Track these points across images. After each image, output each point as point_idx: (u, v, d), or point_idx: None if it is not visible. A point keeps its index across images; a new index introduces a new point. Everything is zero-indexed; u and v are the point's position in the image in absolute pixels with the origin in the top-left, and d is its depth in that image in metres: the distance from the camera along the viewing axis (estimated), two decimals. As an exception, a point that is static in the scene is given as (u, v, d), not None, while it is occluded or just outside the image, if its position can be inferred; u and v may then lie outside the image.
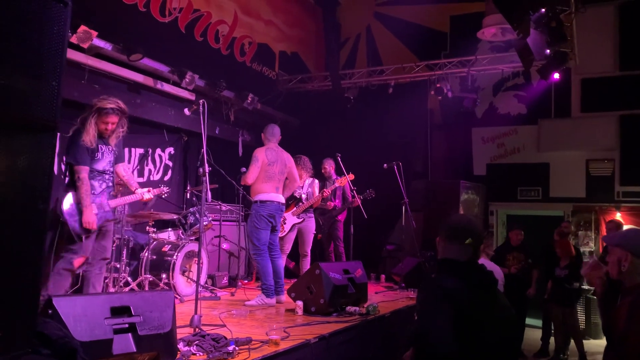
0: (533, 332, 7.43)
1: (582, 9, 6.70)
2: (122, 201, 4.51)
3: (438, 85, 8.48)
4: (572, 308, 6.72)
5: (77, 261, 4.11)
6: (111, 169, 4.37)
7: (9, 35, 1.84)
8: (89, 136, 4.16)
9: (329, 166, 7.12)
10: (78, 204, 4.07)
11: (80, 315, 2.44)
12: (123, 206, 5.37)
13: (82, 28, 5.52)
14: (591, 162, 8.98)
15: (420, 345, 2.06)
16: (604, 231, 8.51)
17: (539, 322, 7.30)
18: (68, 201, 4.06)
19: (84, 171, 4.09)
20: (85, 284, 4.30)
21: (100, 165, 4.26)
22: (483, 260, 5.23)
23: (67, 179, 4.24)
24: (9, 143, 1.90)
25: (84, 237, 4.08)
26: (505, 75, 8.84)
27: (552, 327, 6.84)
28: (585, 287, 7.69)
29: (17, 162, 1.93)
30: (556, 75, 7.57)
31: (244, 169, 5.52)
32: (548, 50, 6.54)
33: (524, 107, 9.57)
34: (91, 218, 4.07)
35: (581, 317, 7.78)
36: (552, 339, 6.82)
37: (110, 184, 4.37)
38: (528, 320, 7.39)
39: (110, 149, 4.34)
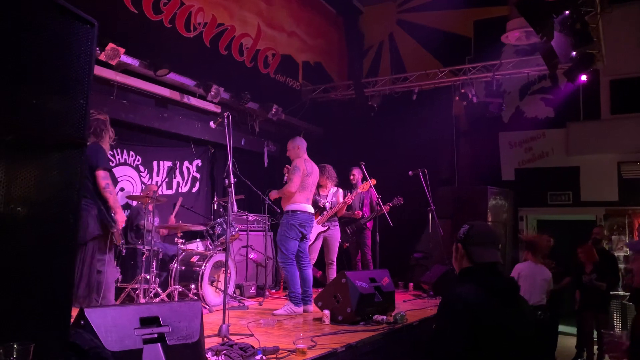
0: (567, 339, 7.26)
1: (609, 9, 6.58)
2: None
3: (463, 90, 8.44)
4: (605, 314, 6.53)
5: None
6: None
7: (39, 56, 1.93)
8: (106, 146, 4.36)
9: (357, 173, 7.12)
10: (108, 212, 4.17)
11: (111, 325, 2.49)
12: (153, 219, 5.51)
13: (110, 45, 5.68)
14: (623, 165, 8.76)
15: (429, 349, 2.07)
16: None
17: (573, 330, 7.13)
18: (106, 211, 4.19)
19: (109, 177, 4.24)
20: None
21: None
22: (526, 264, 5.19)
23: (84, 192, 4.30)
24: (41, 160, 1.98)
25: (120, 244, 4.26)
26: (531, 79, 8.72)
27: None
28: (621, 292, 7.50)
29: (48, 178, 2.01)
30: (584, 77, 7.45)
31: None
32: (574, 53, 6.44)
33: (552, 110, 9.42)
34: (124, 217, 4.30)
35: (617, 324, 7.57)
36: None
37: None
38: (562, 328, 7.22)
39: None
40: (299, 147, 5.56)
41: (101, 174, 4.15)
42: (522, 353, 2.02)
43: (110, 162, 6.46)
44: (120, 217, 4.25)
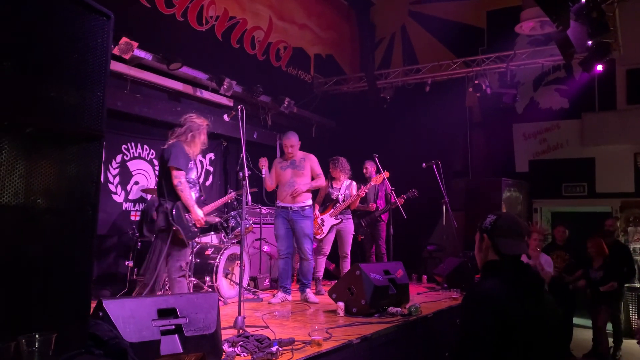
0: (582, 332, 7.21)
1: (625, -3, 6.48)
2: (211, 207, 4.95)
3: (476, 81, 8.36)
4: (616, 310, 6.43)
5: (185, 265, 4.35)
6: (196, 181, 4.59)
7: (57, 49, 1.94)
8: (196, 149, 4.43)
9: (370, 166, 7.11)
10: (180, 211, 4.25)
11: (129, 317, 2.51)
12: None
13: (124, 39, 5.70)
14: (639, 155, 8.65)
15: (459, 351, 2.02)
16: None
17: (588, 322, 7.06)
18: (176, 209, 4.24)
19: (184, 176, 4.29)
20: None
21: (191, 175, 4.51)
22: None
23: (163, 190, 4.33)
24: (59, 152, 2.00)
25: (189, 242, 4.32)
26: (546, 69, 8.61)
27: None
28: (638, 285, 7.40)
29: (66, 171, 2.02)
30: (599, 67, 7.32)
31: None
32: (590, 42, 6.34)
33: (566, 101, 9.31)
34: (200, 215, 4.31)
35: (634, 316, 7.49)
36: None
37: (199, 194, 4.60)
38: (577, 320, 7.17)
39: (194, 164, 4.55)
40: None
41: (173, 173, 4.22)
42: (545, 348, 1.99)
43: (125, 157, 6.52)
44: (195, 216, 4.28)
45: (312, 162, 5.69)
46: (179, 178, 4.21)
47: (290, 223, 5.57)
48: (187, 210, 4.27)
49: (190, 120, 4.45)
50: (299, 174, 5.60)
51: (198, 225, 4.33)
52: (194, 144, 4.41)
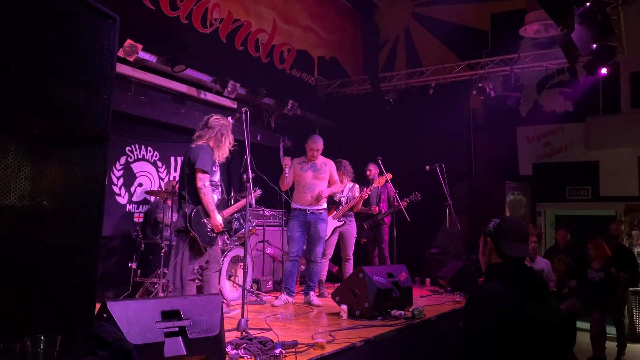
0: (586, 335, 7.16)
1: (630, 0, 6.46)
2: (232, 209, 4.95)
3: (480, 84, 8.35)
4: (619, 314, 6.35)
5: (199, 269, 4.34)
6: (219, 183, 4.57)
7: (63, 51, 1.94)
8: (226, 150, 4.43)
9: (373, 169, 7.12)
10: (200, 215, 4.23)
11: (133, 319, 2.51)
12: (172, 214, 5.53)
13: (128, 42, 5.72)
14: (643, 159, 8.63)
15: (460, 351, 2.02)
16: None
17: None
18: (195, 213, 4.22)
19: (208, 179, 4.27)
20: (205, 286, 4.48)
21: (215, 177, 4.52)
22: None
23: (184, 191, 4.31)
24: (65, 154, 2.00)
25: (208, 248, 4.29)
26: (550, 72, 8.61)
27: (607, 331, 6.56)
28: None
29: (72, 172, 2.03)
30: (604, 70, 7.32)
31: None
32: (594, 45, 6.33)
33: (571, 104, 9.30)
34: (219, 221, 4.30)
35: (638, 321, 7.45)
36: (607, 344, 6.54)
37: (221, 196, 4.58)
38: (581, 324, 7.13)
39: (218, 165, 4.54)
40: None
41: (198, 175, 4.19)
42: (547, 350, 1.99)
43: (129, 158, 6.53)
44: (214, 222, 4.26)
45: (332, 168, 5.78)
46: (203, 181, 4.19)
47: (307, 225, 5.58)
48: (207, 215, 4.25)
49: (218, 123, 4.45)
50: (320, 177, 5.65)
51: (216, 231, 4.30)
52: (224, 145, 4.41)
